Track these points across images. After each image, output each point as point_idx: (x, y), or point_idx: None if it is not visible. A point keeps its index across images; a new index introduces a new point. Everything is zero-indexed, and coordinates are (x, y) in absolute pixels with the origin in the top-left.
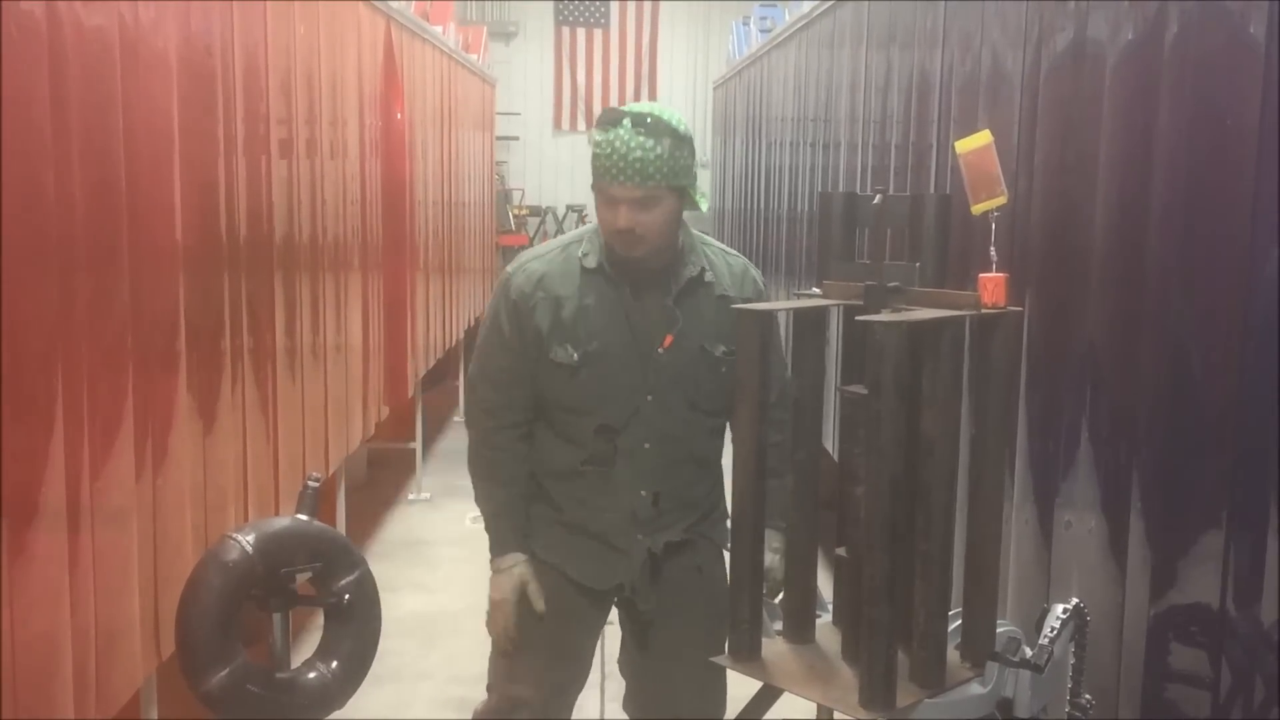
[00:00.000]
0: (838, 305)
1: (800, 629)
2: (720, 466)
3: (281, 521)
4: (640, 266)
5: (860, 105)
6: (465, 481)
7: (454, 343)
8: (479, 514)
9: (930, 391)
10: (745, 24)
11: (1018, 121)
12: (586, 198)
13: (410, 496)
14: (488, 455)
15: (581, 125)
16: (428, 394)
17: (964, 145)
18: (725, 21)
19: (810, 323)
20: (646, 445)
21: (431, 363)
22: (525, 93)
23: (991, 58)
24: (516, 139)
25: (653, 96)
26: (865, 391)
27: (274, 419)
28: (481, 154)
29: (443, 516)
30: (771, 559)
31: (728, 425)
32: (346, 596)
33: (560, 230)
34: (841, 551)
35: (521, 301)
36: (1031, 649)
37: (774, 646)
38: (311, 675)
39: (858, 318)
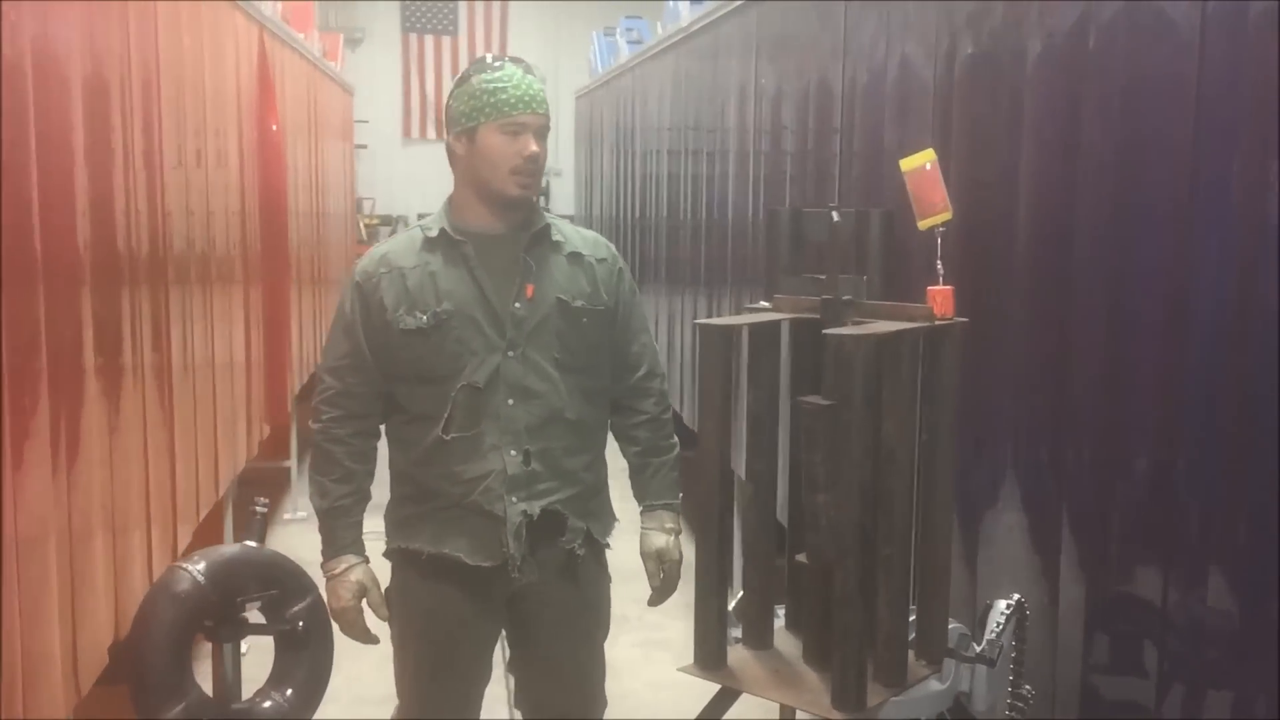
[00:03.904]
0: (792, 319)
1: (760, 635)
2: (601, 444)
3: (230, 549)
4: (486, 229)
5: (750, 115)
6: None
7: None
8: None
9: (891, 401)
10: (610, 35)
11: (931, 133)
12: (438, 205)
13: (286, 516)
14: (326, 448)
15: (431, 133)
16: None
17: (909, 163)
18: (575, 31)
19: (766, 337)
20: (510, 402)
21: (305, 379)
22: (373, 100)
23: (899, 68)
24: (365, 147)
25: None
26: (825, 402)
27: (171, 440)
28: (343, 164)
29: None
30: (666, 540)
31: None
32: (300, 623)
33: None
34: (801, 558)
35: (365, 281)
36: (978, 645)
37: (736, 653)
38: (267, 705)
39: (825, 331)
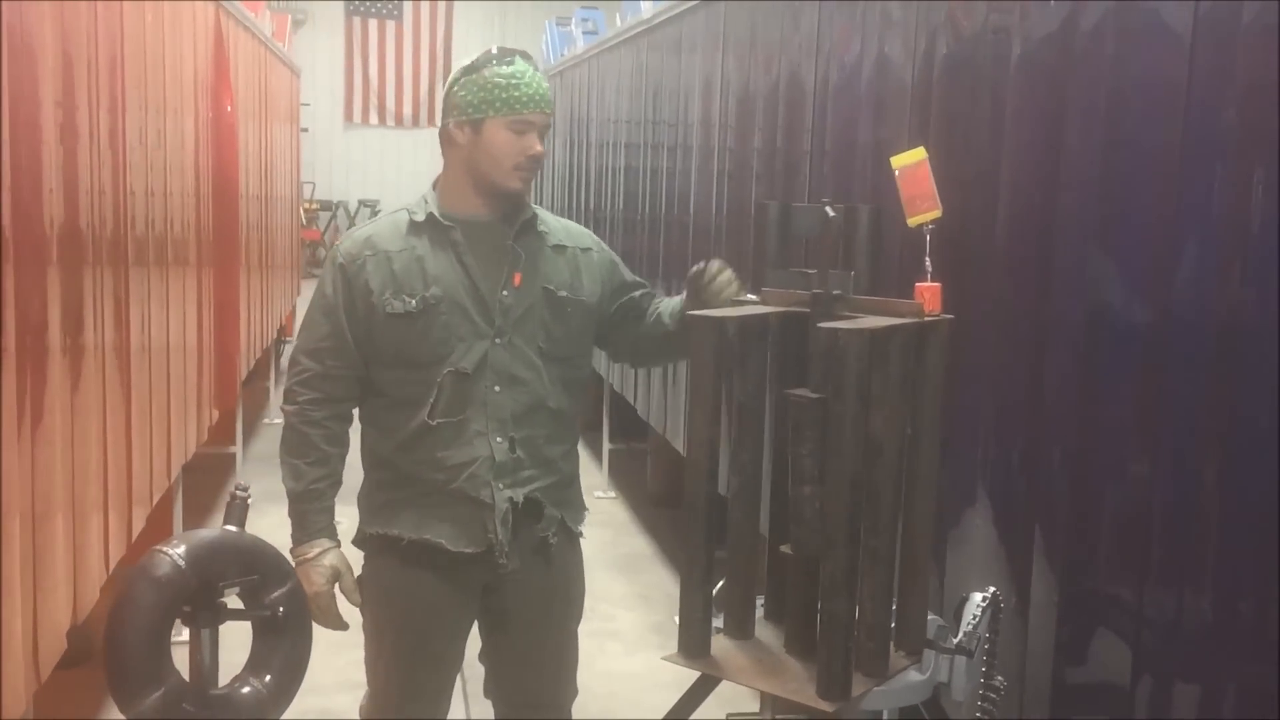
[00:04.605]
0: (781, 312)
1: (742, 625)
2: (577, 434)
3: (210, 533)
4: (474, 216)
5: (716, 110)
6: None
7: (269, 343)
8: None
9: (881, 395)
10: (564, 25)
11: (907, 131)
12: (379, 192)
13: None
14: (301, 430)
15: (374, 118)
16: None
17: (899, 161)
18: (522, 20)
19: (755, 330)
20: (497, 389)
21: (252, 364)
22: (314, 84)
23: (875, 66)
24: (306, 131)
25: None
26: (814, 395)
27: (129, 422)
28: (290, 146)
29: (269, 522)
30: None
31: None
32: (280, 609)
33: (352, 226)
34: (785, 548)
35: (349, 263)
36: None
37: (719, 643)
38: (246, 690)
39: (820, 325)
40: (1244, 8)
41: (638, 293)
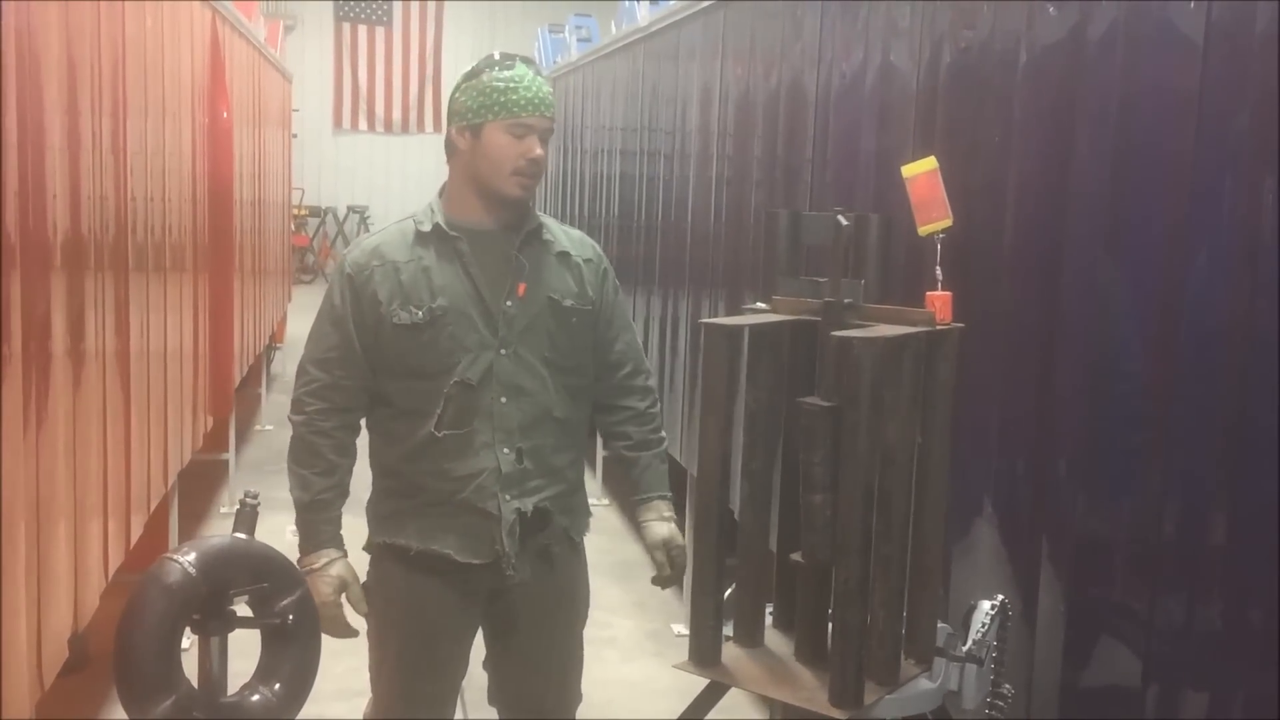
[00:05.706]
0: (792, 320)
1: (751, 633)
2: (583, 442)
3: (220, 540)
4: (479, 225)
5: (714, 117)
6: (281, 493)
7: (262, 349)
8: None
9: (894, 403)
10: (557, 32)
11: (911, 139)
12: (368, 198)
13: (223, 509)
14: (309, 440)
15: (363, 124)
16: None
17: (910, 170)
18: (511, 27)
19: (766, 338)
20: (503, 400)
21: (245, 371)
22: (304, 89)
23: (879, 72)
24: (295, 136)
25: (437, 98)
26: (826, 404)
27: (128, 428)
28: (281, 152)
29: (262, 529)
30: (669, 528)
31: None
32: (290, 617)
33: (341, 232)
34: (796, 557)
35: (357, 273)
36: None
37: (729, 651)
38: (255, 699)
39: (833, 333)
40: (1258, 11)
41: (616, 366)
